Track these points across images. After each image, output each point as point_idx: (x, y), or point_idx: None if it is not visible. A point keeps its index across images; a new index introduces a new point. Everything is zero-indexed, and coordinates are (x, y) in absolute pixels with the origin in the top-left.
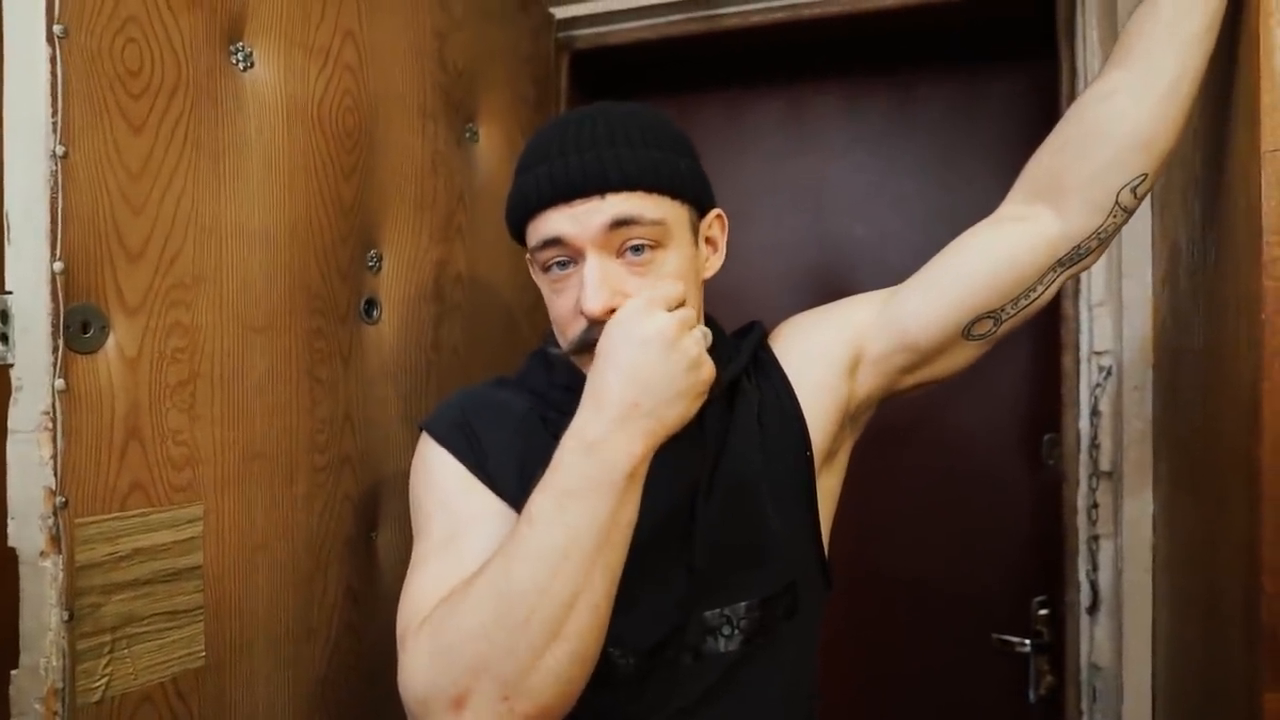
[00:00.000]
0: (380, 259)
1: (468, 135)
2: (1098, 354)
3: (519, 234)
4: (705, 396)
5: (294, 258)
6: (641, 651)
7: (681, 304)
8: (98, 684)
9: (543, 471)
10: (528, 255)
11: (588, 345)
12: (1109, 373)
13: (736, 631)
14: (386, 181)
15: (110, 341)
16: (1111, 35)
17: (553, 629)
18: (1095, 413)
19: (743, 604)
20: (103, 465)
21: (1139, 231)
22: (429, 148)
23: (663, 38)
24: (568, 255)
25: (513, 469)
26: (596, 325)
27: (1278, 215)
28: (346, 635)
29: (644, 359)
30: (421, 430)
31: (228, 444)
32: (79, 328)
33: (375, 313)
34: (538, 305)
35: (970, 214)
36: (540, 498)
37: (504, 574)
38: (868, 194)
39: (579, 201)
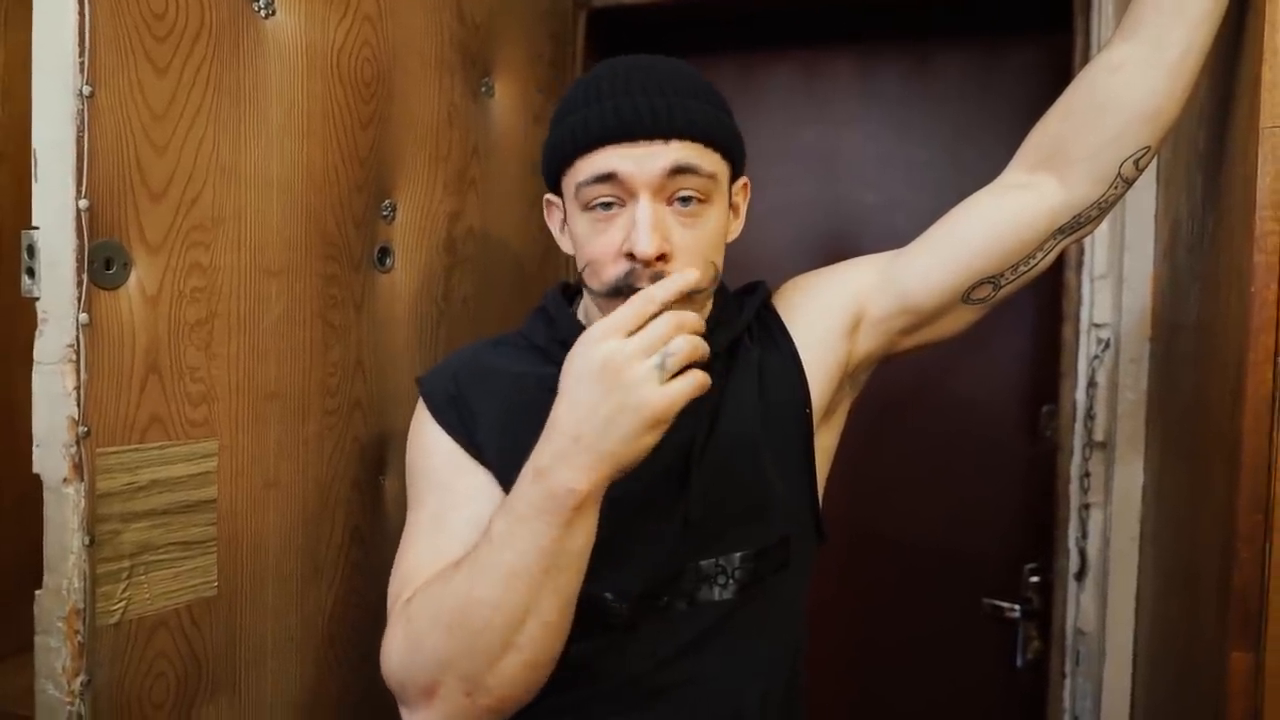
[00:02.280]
0: (394, 209)
1: (483, 89)
2: (1097, 326)
3: (559, 168)
4: (665, 426)
5: (310, 204)
6: (636, 596)
7: (696, 291)
8: (116, 606)
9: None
10: (549, 197)
11: (624, 290)
12: (1107, 345)
13: (731, 581)
14: (402, 132)
15: (132, 278)
16: (1126, 8)
17: (506, 639)
18: (1092, 384)
19: (738, 555)
20: (123, 398)
21: (1142, 206)
22: (445, 100)
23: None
24: (616, 194)
25: (502, 438)
26: (640, 269)
27: (1273, 190)
28: (353, 574)
29: (586, 395)
30: (420, 390)
31: (243, 383)
32: (103, 264)
33: (388, 261)
34: (547, 259)
35: (981, 184)
36: (498, 516)
37: (466, 583)
38: (879, 162)
39: (643, 142)
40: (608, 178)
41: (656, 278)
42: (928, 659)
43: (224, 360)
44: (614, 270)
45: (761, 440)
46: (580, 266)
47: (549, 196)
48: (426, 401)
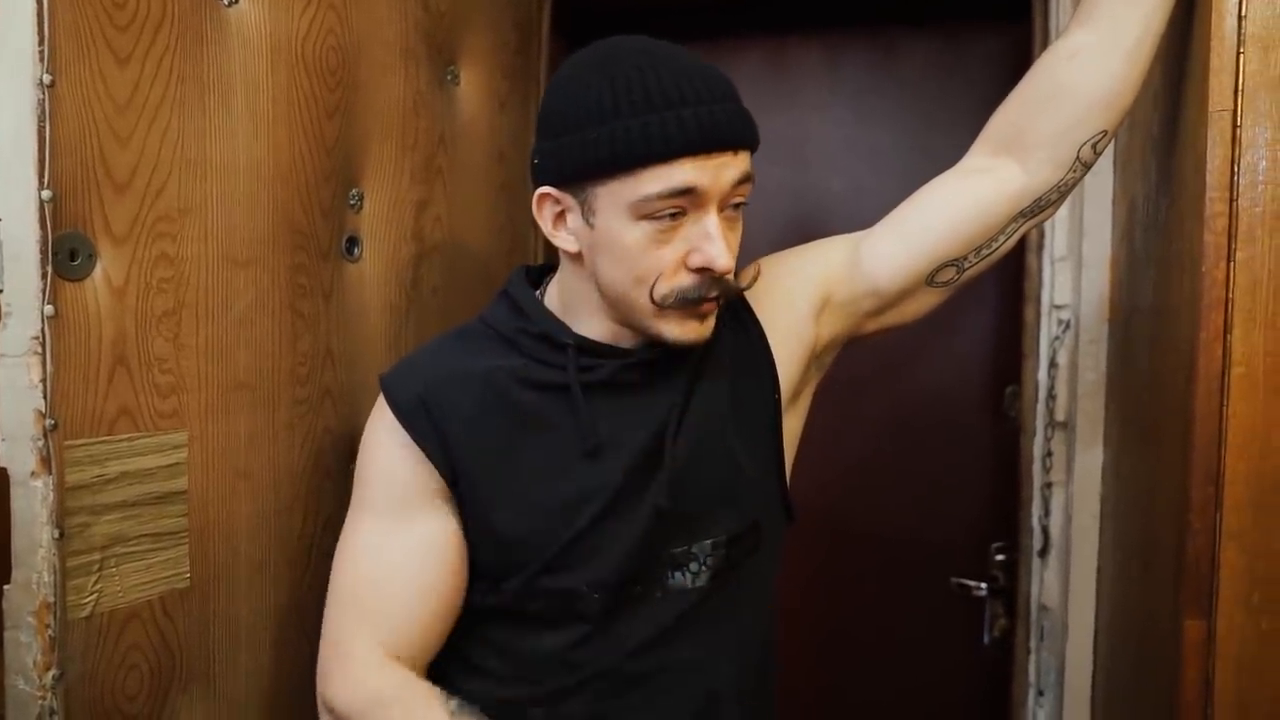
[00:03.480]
0: (362, 198)
1: (449, 78)
2: (1058, 308)
3: (606, 173)
4: None
5: (277, 194)
6: (609, 586)
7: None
8: (88, 600)
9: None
10: (551, 192)
11: (696, 300)
12: (1067, 326)
13: (703, 568)
14: (369, 121)
15: (98, 270)
16: None
17: None
18: (1053, 365)
19: (709, 541)
20: (90, 390)
21: (1100, 190)
22: (410, 89)
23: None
24: (684, 206)
25: (477, 439)
26: (708, 280)
27: (1221, 172)
28: (325, 563)
29: None
30: (383, 389)
31: (212, 373)
32: (67, 255)
33: (356, 250)
34: (515, 249)
35: (943, 169)
36: None
37: None
38: (846, 148)
39: (717, 155)
40: (685, 192)
41: (723, 286)
42: (897, 638)
43: (193, 351)
44: (678, 282)
45: (731, 426)
46: (625, 277)
47: (550, 191)
48: (392, 405)
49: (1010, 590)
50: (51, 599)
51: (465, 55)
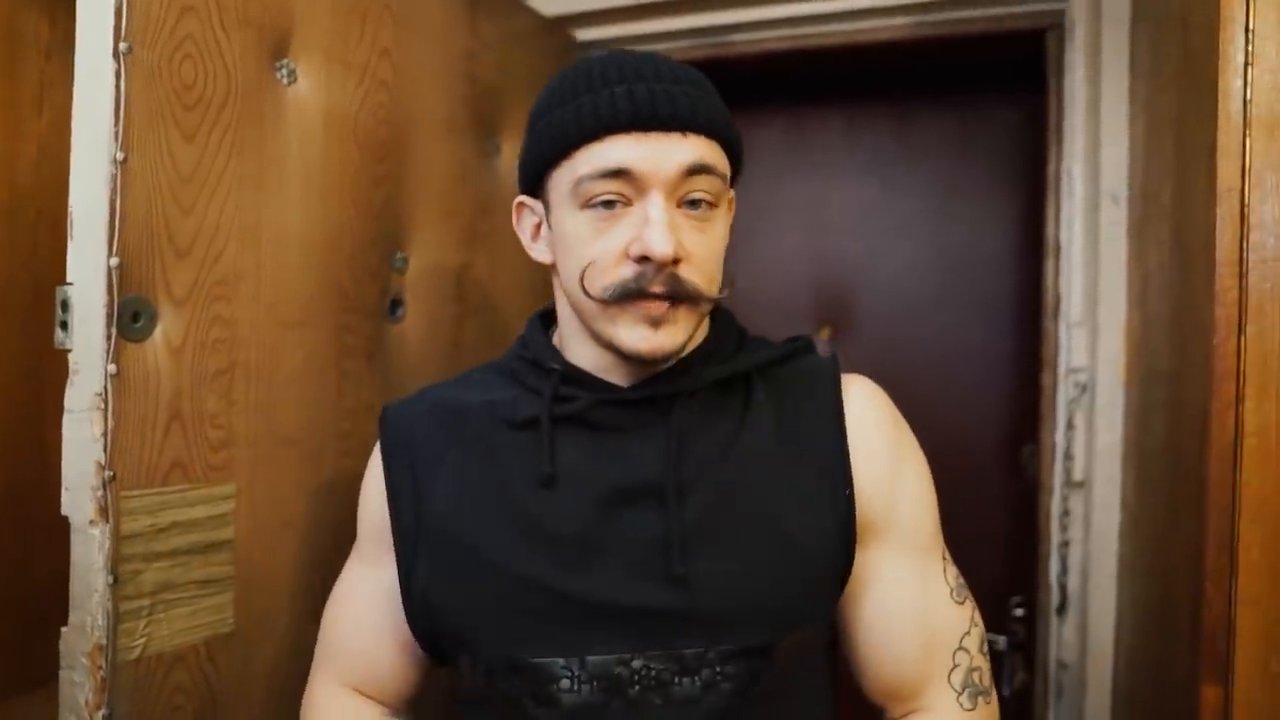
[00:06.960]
0: (406, 261)
1: (491, 148)
2: (1074, 371)
3: (546, 165)
4: None
5: (326, 258)
6: (590, 670)
7: (703, 299)
8: (137, 643)
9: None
10: (522, 199)
11: (633, 293)
12: (1084, 389)
13: (719, 677)
14: (415, 189)
15: (158, 331)
16: (1096, 73)
17: None
18: (1070, 426)
19: (730, 648)
20: (147, 444)
21: (1114, 257)
22: (455, 159)
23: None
24: (624, 192)
25: (449, 484)
26: (650, 271)
27: (1230, 249)
28: None
29: None
30: (380, 422)
31: (260, 428)
32: (130, 318)
33: (400, 311)
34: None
35: (960, 234)
36: None
37: None
38: (865, 214)
39: (658, 134)
40: (617, 174)
41: (670, 281)
42: None
43: (243, 407)
44: (619, 273)
45: (786, 510)
46: (573, 272)
47: (524, 200)
48: (382, 440)
49: (1029, 645)
50: (104, 641)
51: (507, 127)
